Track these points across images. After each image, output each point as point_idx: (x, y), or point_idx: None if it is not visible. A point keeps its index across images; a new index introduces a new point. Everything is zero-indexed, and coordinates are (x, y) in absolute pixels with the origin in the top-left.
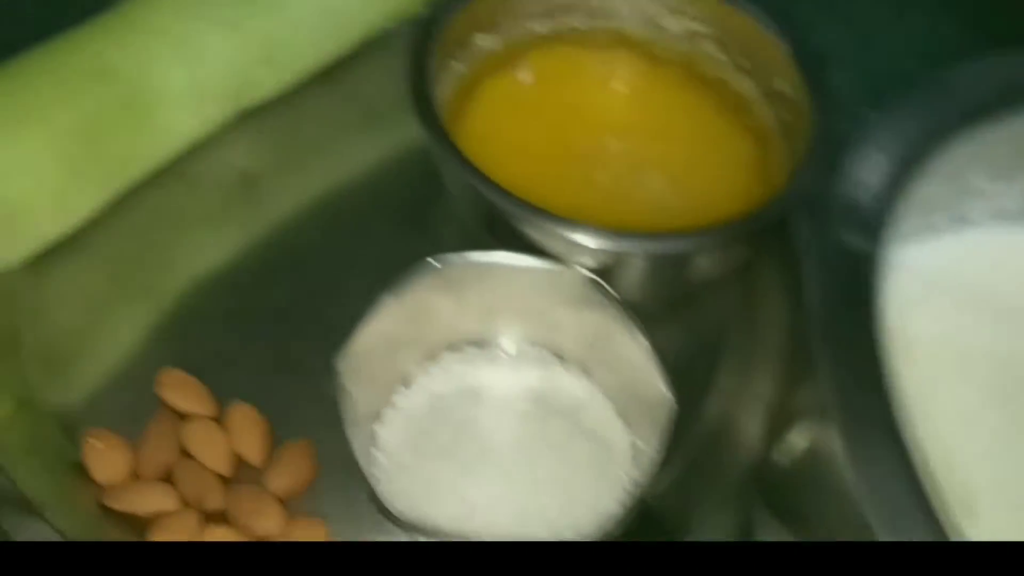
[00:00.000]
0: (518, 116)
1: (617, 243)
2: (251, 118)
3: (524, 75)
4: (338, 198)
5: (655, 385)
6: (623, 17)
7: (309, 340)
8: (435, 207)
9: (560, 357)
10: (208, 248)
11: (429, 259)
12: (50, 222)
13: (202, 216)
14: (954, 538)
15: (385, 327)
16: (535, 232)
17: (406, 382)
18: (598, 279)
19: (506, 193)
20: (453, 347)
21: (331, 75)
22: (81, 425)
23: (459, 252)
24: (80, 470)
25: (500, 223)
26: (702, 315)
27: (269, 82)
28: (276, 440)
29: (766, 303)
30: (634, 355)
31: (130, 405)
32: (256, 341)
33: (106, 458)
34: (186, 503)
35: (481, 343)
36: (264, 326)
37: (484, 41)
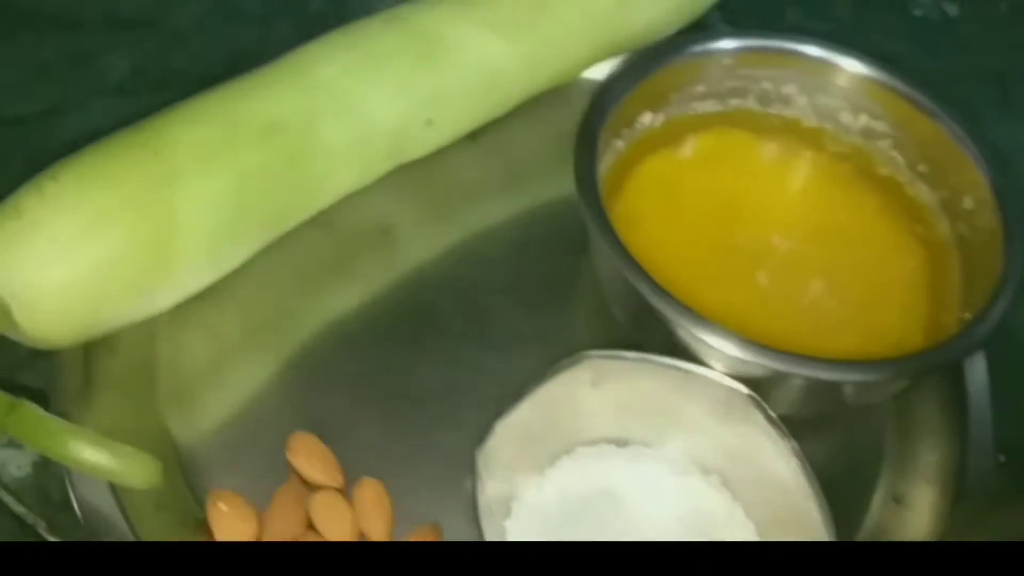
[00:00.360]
0: (675, 199)
1: (777, 362)
2: (395, 171)
3: (685, 155)
4: (477, 260)
5: (806, 509)
6: (799, 107)
7: (441, 416)
8: (576, 281)
9: (702, 467)
10: (342, 301)
11: (581, 354)
12: (204, 272)
13: (339, 267)
14: None
15: (524, 418)
16: (685, 334)
17: (539, 476)
18: (753, 395)
19: (663, 291)
20: (590, 443)
21: (477, 132)
22: (208, 481)
23: (606, 348)
24: (204, 529)
25: (647, 315)
26: (854, 434)
27: (427, 142)
28: (399, 519)
29: (925, 425)
30: (783, 475)
31: (257, 462)
32: (385, 409)
33: (231, 523)
34: None
35: (619, 442)
36: (395, 394)
37: (646, 118)
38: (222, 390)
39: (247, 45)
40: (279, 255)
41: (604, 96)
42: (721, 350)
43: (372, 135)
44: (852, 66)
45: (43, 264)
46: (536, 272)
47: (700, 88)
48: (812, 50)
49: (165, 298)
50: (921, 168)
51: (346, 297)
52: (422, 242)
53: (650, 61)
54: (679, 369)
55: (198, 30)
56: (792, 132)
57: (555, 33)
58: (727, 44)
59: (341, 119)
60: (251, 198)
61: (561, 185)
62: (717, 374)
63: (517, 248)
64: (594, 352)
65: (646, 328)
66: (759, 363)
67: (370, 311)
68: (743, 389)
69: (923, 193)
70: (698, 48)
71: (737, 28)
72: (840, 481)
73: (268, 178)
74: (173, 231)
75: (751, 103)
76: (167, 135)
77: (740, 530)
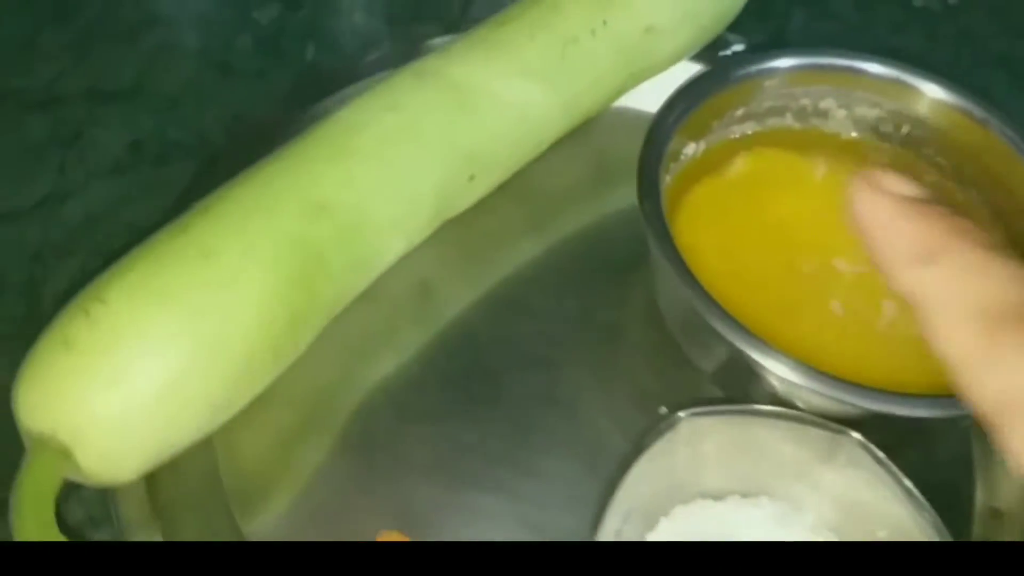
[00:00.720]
0: (729, 227)
1: (879, 403)
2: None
3: (729, 180)
4: (522, 308)
5: None
6: (837, 120)
7: (536, 496)
8: (633, 322)
9: (808, 516)
10: (394, 371)
11: (674, 416)
12: (269, 372)
13: (385, 336)
14: None
15: (631, 494)
16: (776, 379)
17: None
18: (860, 437)
19: (756, 338)
20: (686, 501)
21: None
22: None
23: (678, 394)
24: None
25: (732, 361)
26: (938, 448)
27: (470, 196)
28: None
29: None
30: (898, 517)
31: None
32: (467, 495)
33: None
34: None
35: (718, 496)
36: (473, 476)
37: (690, 149)
38: (288, 483)
39: (244, 106)
40: (322, 333)
41: (658, 133)
42: (819, 392)
43: (419, 201)
44: (893, 75)
45: (105, 401)
46: (587, 315)
47: (740, 112)
48: (855, 63)
49: (233, 406)
50: (968, 173)
51: (397, 366)
52: (463, 294)
53: (697, 92)
54: (777, 416)
55: (189, 94)
56: (831, 146)
57: (585, 69)
58: (776, 64)
59: (387, 189)
60: (308, 287)
61: (588, 216)
62: (816, 418)
63: (558, 291)
64: (684, 412)
65: (730, 374)
66: (860, 406)
67: (424, 379)
68: (850, 433)
69: (973, 198)
70: (742, 72)
71: (745, 35)
72: (936, 498)
73: (322, 264)
74: (236, 338)
75: (788, 120)
76: (213, 235)
77: None
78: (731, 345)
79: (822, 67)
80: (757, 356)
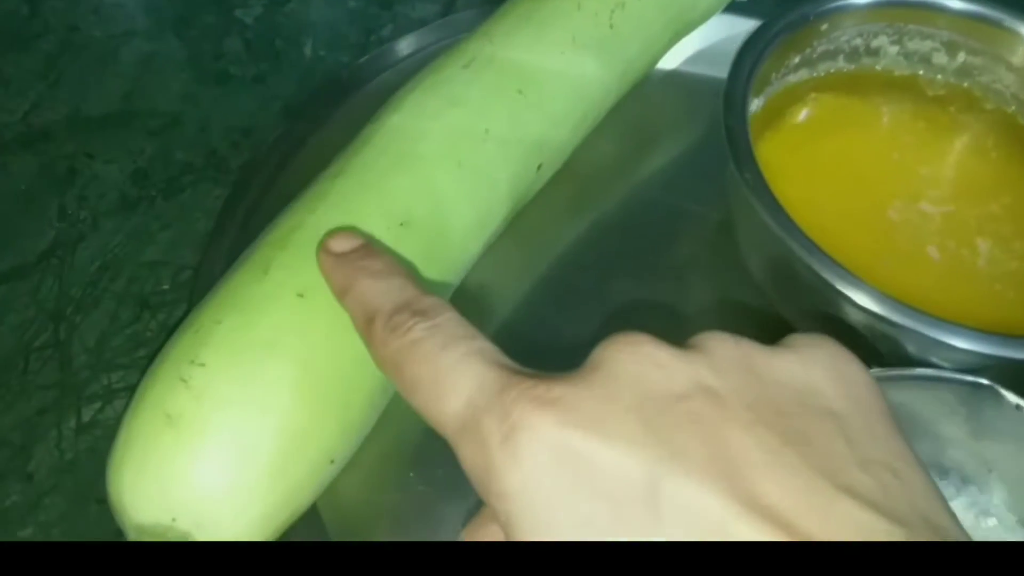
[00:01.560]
0: (804, 182)
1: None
2: None
3: (793, 135)
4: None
5: None
6: (890, 57)
7: None
8: (688, 302)
9: (993, 504)
10: None
11: None
12: (380, 406)
13: None
14: None
15: None
16: (910, 338)
17: None
18: (994, 385)
19: (888, 297)
20: None
21: None
22: None
23: None
24: None
25: (841, 319)
26: None
27: (536, 186)
28: None
29: None
30: None
31: None
32: None
33: None
34: None
35: None
36: None
37: (753, 105)
38: (390, 521)
39: (246, 118)
40: None
41: (735, 96)
42: (956, 346)
43: (496, 199)
44: (949, 4)
45: (226, 479)
46: (646, 290)
47: (796, 60)
48: None
49: (350, 454)
50: None
51: None
52: (519, 286)
53: (761, 46)
54: (913, 377)
55: (187, 109)
56: (886, 84)
57: (635, 33)
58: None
59: (466, 192)
60: None
61: (628, 187)
62: (952, 372)
63: (613, 271)
64: None
65: (858, 337)
66: (998, 355)
67: None
68: (983, 381)
69: None
70: (800, 18)
71: None
72: None
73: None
74: (351, 379)
75: (840, 63)
76: (302, 271)
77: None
78: (850, 300)
79: (895, 3)
80: (893, 315)
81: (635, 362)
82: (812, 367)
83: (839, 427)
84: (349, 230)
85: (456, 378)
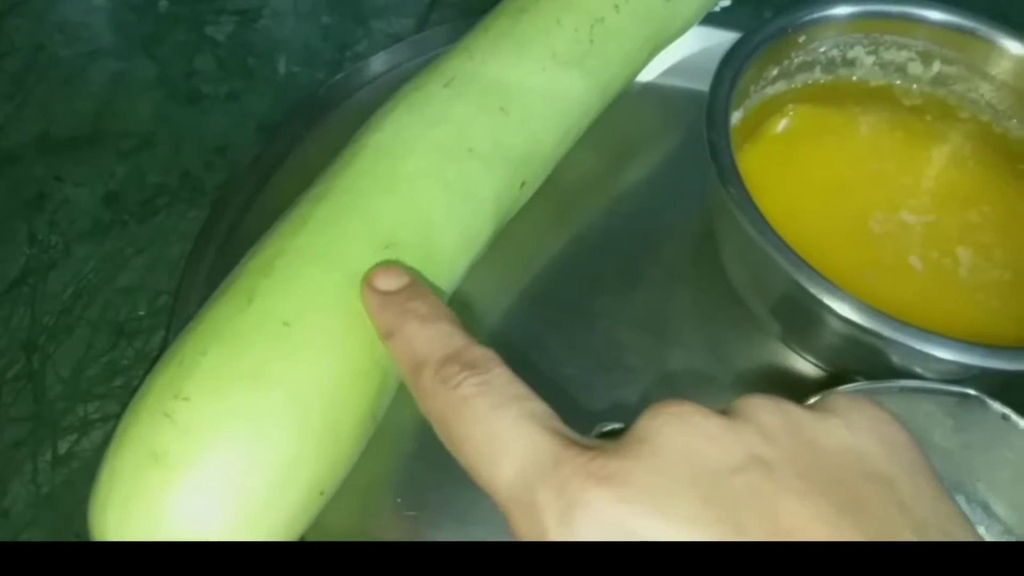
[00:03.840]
0: (785, 195)
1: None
2: None
3: (771, 146)
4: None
5: None
6: (865, 68)
7: None
8: (676, 314)
9: (980, 513)
10: None
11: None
12: (369, 433)
13: None
14: None
15: None
16: (895, 351)
17: None
18: (980, 395)
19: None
20: None
21: None
22: None
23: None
24: None
25: (818, 327)
26: None
27: (520, 202)
28: None
29: None
30: None
31: None
32: None
33: None
34: None
35: None
36: None
37: (733, 119)
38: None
39: (220, 137)
40: None
41: (717, 112)
42: (941, 357)
43: (481, 218)
44: (926, 15)
45: (215, 516)
46: (632, 303)
47: (774, 72)
48: (905, 9)
49: (338, 485)
50: (1006, 105)
51: None
52: (501, 301)
53: (740, 59)
54: (899, 389)
55: (158, 129)
56: (862, 95)
57: (616, 48)
58: (825, 14)
59: (451, 212)
60: None
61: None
62: (936, 383)
63: (598, 282)
64: (813, 399)
65: (809, 338)
66: (983, 366)
67: None
68: (970, 391)
69: (1014, 129)
70: (778, 30)
71: None
72: None
73: None
74: (339, 409)
75: (817, 74)
76: (287, 298)
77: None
78: (834, 313)
79: (873, 14)
80: (878, 327)
81: (684, 434)
82: (859, 431)
83: (890, 491)
84: (395, 265)
85: (508, 443)
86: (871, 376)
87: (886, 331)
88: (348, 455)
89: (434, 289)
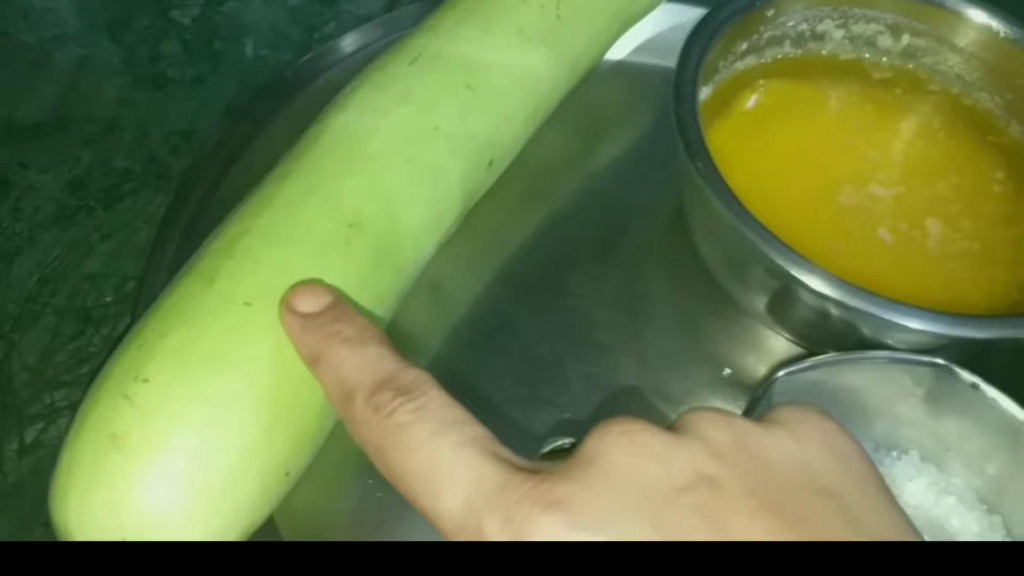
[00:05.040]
0: (755, 170)
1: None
2: None
3: (742, 121)
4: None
5: None
6: (835, 41)
7: None
8: (651, 289)
9: (952, 483)
10: None
11: (773, 378)
12: (334, 420)
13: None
14: None
15: None
16: (865, 321)
17: None
18: (950, 364)
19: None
20: None
21: None
22: None
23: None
24: None
25: (791, 300)
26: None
27: (488, 182)
28: None
29: None
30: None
31: None
32: None
33: None
34: None
35: None
36: None
37: (703, 94)
38: (348, 530)
39: (186, 122)
40: None
41: (685, 87)
42: (910, 327)
43: (448, 198)
44: None
45: (175, 499)
46: (607, 281)
47: (743, 47)
48: None
49: (304, 466)
50: (975, 76)
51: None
52: (474, 284)
53: (708, 34)
54: (870, 360)
55: (124, 114)
56: (831, 68)
57: (583, 25)
58: None
59: (416, 192)
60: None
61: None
62: (907, 354)
63: (570, 262)
64: (782, 372)
65: (781, 310)
66: (952, 334)
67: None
68: (939, 361)
69: (983, 100)
70: (747, 4)
71: None
72: None
73: (367, 287)
74: (303, 391)
75: (787, 48)
76: (249, 278)
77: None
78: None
79: None
80: (847, 299)
81: (631, 454)
82: (806, 444)
83: (840, 506)
84: (315, 284)
85: (450, 472)
86: (842, 349)
87: (854, 302)
88: (313, 435)
89: (400, 268)
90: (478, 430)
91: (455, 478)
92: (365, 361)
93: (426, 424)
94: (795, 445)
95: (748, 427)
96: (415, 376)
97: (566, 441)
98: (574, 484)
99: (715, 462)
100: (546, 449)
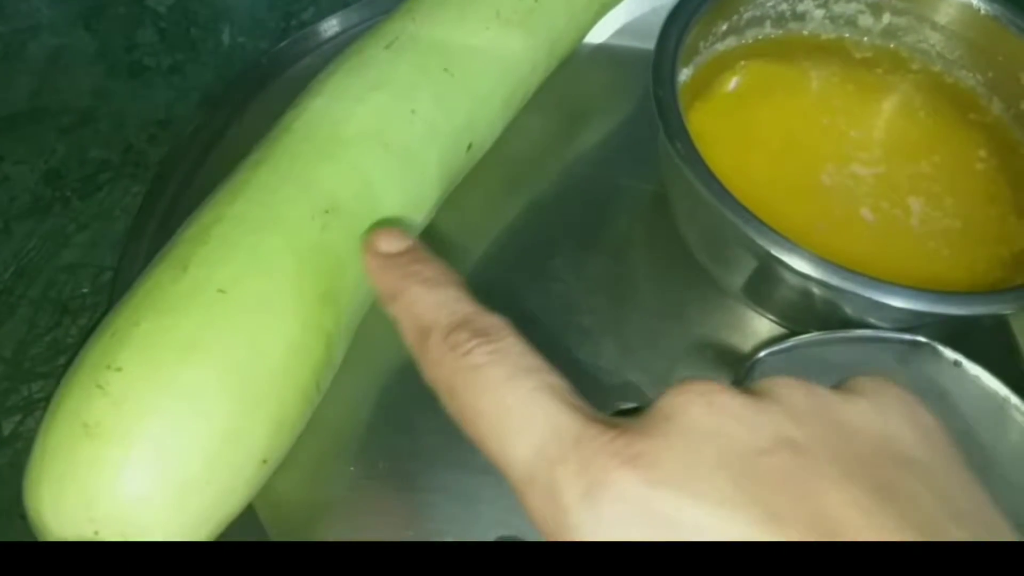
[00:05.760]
0: (736, 150)
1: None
2: None
3: (723, 103)
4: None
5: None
6: (816, 21)
7: None
8: (634, 274)
9: None
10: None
11: (755, 359)
12: (313, 405)
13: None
14: None
15: None
16: (848, 300)
17: None
18: (931, 342)
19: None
20: None
21: None
22: None
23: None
24: None
25: (772, 279)
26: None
27: (467, 166)
28: None
29: None
30: (979, 402)
31: None
32: None
33: None
34: None
35: None
36: None
37: (683, 75)
38: (331, 518)
39: (163, 110)
40: None
41: (664, 68)
42: (893, 305)
43: (425, 182)
44: None
45: (149, 489)
46: (589, 267)
47: (724, 28)
48: None
49: (282, 454)
50: (956, 54)
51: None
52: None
53: (687, 15)
54: (853, 338)
55: (100, 104)
56: (813, 49)
57: (560, 5)
58: None
59: (393, 176)
60: (334, 301)
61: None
62: (890, 332)
63: (553, 247)
64: (764, 352)
65: (761, 289)
66: (934, 311)
67: None
68: (921, 339)
69: (964, 78)
70: None
71: None
72: None
73: (343, 273)
74: (278, 379)
75: (767, 29)
76: (224, 265)
77: None
78: (786, 266)
79: None
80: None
81: (711, 414)
82: (888, 413)
83: (924, 477)
84: (396, 228)
85: (524, 418)
86: (824, 327)
87: (837, 281)
88: (291, 423)
89: None
90: (555, 379)
91: (529, 424)
92: (443, 301)
93: (502, 368)
94: (876, 414)
95: (828, 394)
96: (493, 321)
97: (631, 405)
98: (654, 440)
99: (796, 426)
100: (614, 411)
